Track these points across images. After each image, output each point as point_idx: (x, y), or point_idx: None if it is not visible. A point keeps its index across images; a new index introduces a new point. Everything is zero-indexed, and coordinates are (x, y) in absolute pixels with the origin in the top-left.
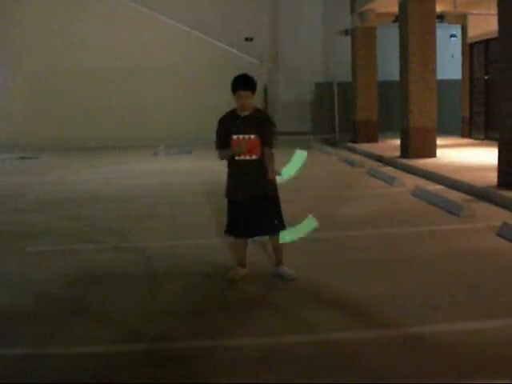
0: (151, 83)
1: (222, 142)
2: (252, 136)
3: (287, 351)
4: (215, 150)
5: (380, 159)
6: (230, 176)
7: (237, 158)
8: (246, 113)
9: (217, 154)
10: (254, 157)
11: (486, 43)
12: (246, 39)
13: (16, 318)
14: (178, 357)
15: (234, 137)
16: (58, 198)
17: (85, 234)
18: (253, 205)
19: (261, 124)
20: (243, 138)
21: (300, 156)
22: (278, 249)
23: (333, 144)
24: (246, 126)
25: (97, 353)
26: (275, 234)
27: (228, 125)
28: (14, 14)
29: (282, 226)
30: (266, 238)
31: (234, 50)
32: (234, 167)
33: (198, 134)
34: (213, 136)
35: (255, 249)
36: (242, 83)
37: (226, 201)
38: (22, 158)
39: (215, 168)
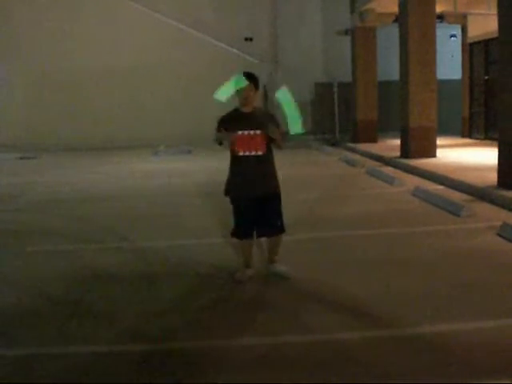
0: (151, 83)
1: (222, 139)
2: (258, 132)
3: (287, 351)
4: (213, 139)
5: (380, 159)
6: (234, 173)
7: (241, 153)
8: (249, 109)
9: (214, 138)
10: (259, 153)
11: (486, 43)
12: (246, 39)
13: (16, 318)
14: (178, 357)
15: (239, 133)
16: (57, 197)
17: (85, 233)
18: (257, 204)
19: (266, 119)
20: (248, 133)
21: (236, 80)
22: (274, 247)
23: (333, 144)
24: (251, 122)
25: (97, 353)
26: (278, 235)
27: (230, 122)
28: (14, 13)
29: (283, 227)
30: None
31: (234, 50)
32: (238, 164)
33: (198, 133)
34: (212, 135)
35: (254, 248)
36: (245, 77)
37: (226, 201)
38: (22, 158)
39: (215, 168)
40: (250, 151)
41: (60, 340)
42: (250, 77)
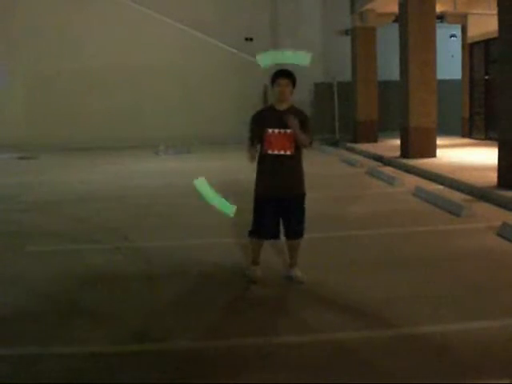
0: (151, 83)
1: (255, 138)
2: (288, 131)
3: (289, 351)
4: (247, 149)
5: (380, 159)
6: (260, 172)
7: (270, 152)
8: (284, 107)
9: (246, 154)
10: (288, 152)
11: (486, 43)
12: (246, 39)
13: (16, 318)
14: (179, 357)
15: (269, 130)
16: (57, 198)
17: (85, 233)
18: (282, 205)
19: (298, 119)
20: (279, 132)
21: (300, 56)
22: (294, 251)
23: (333, 144)
24: (283, 120)
25: (97, 353)
26: (299, 239)
27: (263, 119)
28: (13, 14)
29: (302, 231)
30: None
31: (234, 50)
32: (266, 162)
33: (198, 133)
34: (213, 135)
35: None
36: (283, 72)
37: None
38: (22, 158)
39: (215, 168)
40: (279, 150)
41: (60, 340)
42: (289, 74)
